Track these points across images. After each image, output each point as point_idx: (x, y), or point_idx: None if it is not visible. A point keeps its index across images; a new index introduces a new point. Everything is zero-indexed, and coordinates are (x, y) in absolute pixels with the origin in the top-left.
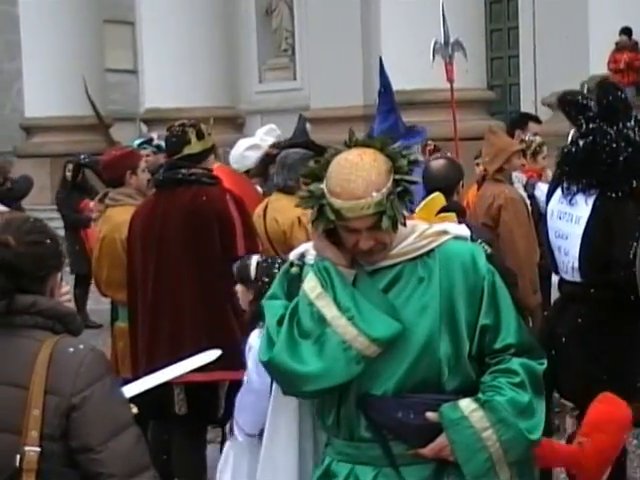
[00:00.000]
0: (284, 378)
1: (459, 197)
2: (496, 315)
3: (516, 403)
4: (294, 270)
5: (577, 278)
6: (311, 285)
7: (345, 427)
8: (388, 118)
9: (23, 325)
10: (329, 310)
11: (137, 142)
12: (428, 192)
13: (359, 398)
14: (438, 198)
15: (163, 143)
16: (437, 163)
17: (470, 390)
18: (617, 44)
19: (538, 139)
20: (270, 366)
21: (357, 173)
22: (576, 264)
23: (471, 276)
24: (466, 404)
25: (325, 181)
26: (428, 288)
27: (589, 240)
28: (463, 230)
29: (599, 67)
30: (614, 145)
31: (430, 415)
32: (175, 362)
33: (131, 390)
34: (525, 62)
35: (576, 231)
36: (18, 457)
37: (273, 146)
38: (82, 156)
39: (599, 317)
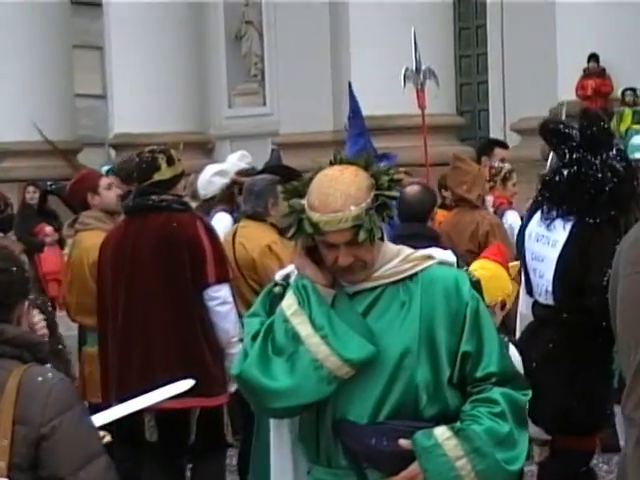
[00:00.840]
0: (253, 392)
1: (433, 223)
2: (478, 342)
3: (494, 433)
4: (277, 290)
5: (550, 301)
6: (289, 302)
7: (324, 454)
8: (358, 142)
9: None
10: (303, 328)
11: (105, 168)
12: (403, 218)
13: (335, 424)
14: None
15: None
16: (412, 189)
17: (449, 418)
18: (585, 70)
19: (507, 166)
20: (240, 380)
21: (336, 187)
22: (550, 287)
23: (454, 302)
24: (441, 432)
25: (306, 196)
26: (408, 312)
27: (564, 264)
28: (449, 256)
29: (567, 93)
30: (599, 175)
31: (403, 442)
32: (146, 389)
33: (102, 419)
34: (494, 88)
35: (552, 255)
36: None
37: (239, 173)
38: (49, 183)
39: (571, 342)
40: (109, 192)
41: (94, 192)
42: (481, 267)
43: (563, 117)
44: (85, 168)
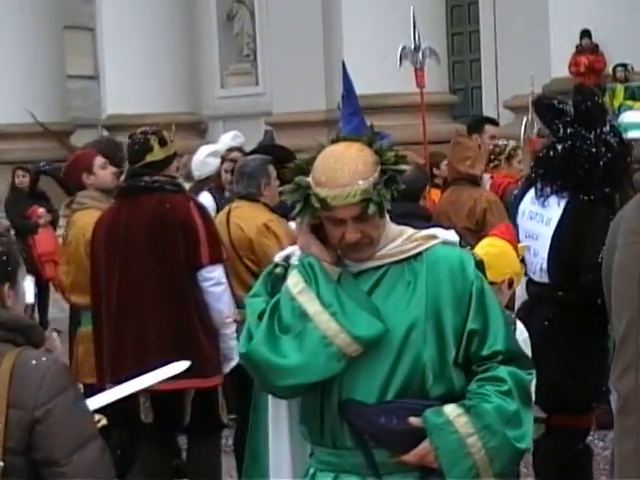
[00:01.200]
0: (261, 370)
1: (425, 202)
2: (484, 321)
3: (503, 411)
4: (279, 270)
5: (545, 279)
6: (294, 281)
7: (328, 435)
8: (351, 121)
9: None
10: (311, 305)
11: None
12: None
13: (341, 404)
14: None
15: None
16: None
17: (454, 398)
18: (577, 47)
19: (512, 143)
20: (247, 358)
21: (343, 162)
22: (545, 265)
23: (459, 281)
24: (451, 409)
25: (311, 173)
26: (414, 292)
27: (558, 242)
28: (451, 235)
29: (560, 70)
30: (594, 150)
31: (413, 420)
32: (141, 370)
33: (97, 402)
34: (487, 65)
35: (546, 232)
36: None
37: (229, 150)
38: (42, 163)
39: (566, 320)
40: (104, 171)
41: (89, 172)
42: (490, 244)
43: (532, 88)
44: (79, 149)
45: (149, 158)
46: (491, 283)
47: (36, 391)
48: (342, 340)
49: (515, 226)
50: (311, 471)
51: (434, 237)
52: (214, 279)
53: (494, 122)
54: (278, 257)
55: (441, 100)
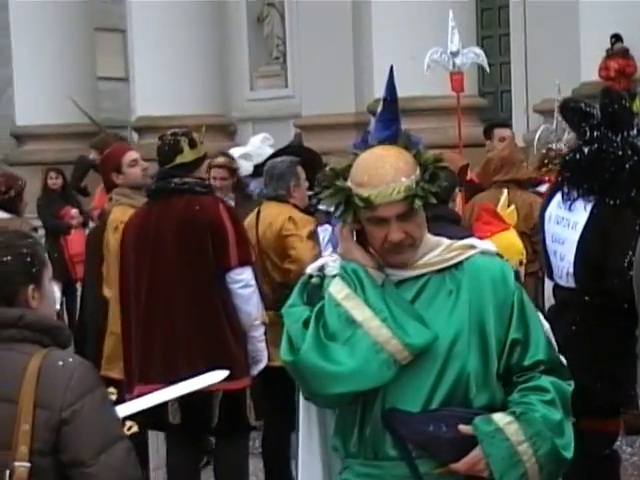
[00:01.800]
0: (311, 378)
1: (454, 204)
2: (526, 331)
3: (549, 420)
4: (315, 281)
5: (572, 284)
6: (338, 287)
7: (369, 446)
8: (390, 127)
9: (11, 339)
10: (360, 312)
11: None
12: None
13: (385, 413)
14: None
15: None
16: None
17: (496, 409)
18: (608, 51)
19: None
20: (296, 365)
21: (384, 160)
22: (571, 269)
23: (501, 291)
24: (500, 417)
25: (349, 178)
26: (457, 301)
27: (585, 246)
28: (489, 245)
29: (590, 74)
30: (620, 153)
31: (463, 428)
32: (169, 371)
33: (129, 408)
34: (516, 69)
35: (572, 236)
36: (8, 473)
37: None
38: (91, 157)
39: (593, 325)
40: (133, 169)
41: (118, 172)
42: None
43: (559, 96)
44: (112, 145)
45: (179, 160)
46: None
47: (63, 392)
48: (393, 347)
49: (542, 232)
50: None
51: (473, 247)
52: (243, 281)
53: (503, 124)
54: (310, 268)
55: (471, 103)
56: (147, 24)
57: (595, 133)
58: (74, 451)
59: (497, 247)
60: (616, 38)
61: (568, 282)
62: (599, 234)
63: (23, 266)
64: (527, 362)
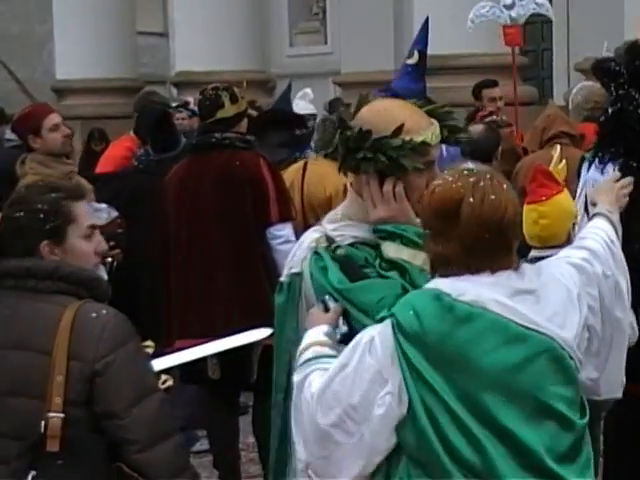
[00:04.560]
0: None
1: (497, 163)
2: None
3: None
4: (340, 252)
5: None
6: (411, 253)
7: None
8: (420, 81)
9: (46, 290)
10: None
11: (173, 105)
12: (466, 156)
13: None
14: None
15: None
16: (476, 129)
17: None
18: None
19: None
20: None
21: (410, 106)
22: None
23: None
24: None
25: (375, 132)
26: None
27: None
28: None
29: (633, 31)
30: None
31: None
32: (206, 324)
33: (165, 362)
34: (558, 27)
35: None
36: (43, 423)
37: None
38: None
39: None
40: (54, 134)
41: (35, 134)
42: (540, 217)
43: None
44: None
45: (220, 114)
46: (560, 246)
47: (96, 344)
48: None
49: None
50: None
51: None
52: (283, 237)
53: (490, 84)
54: (310, 240)
55: (511, 61)
56: None
57: (620, 92)
58: (107, 403)
59: (550, 215)
60: None
61: None
62: None
63: (35, 222)
64: None
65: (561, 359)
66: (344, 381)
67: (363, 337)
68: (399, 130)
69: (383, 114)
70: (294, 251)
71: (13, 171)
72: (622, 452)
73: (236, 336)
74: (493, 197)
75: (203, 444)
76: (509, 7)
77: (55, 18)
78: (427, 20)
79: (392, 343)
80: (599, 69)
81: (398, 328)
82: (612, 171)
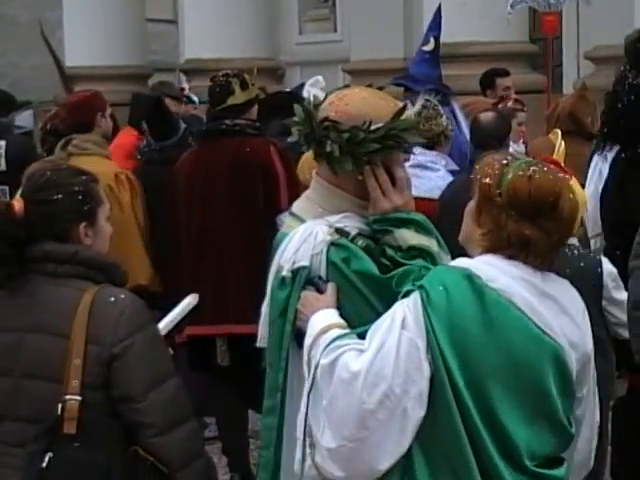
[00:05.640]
0: None
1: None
2: None
3: None
4: (361, 243)
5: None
6: (427, 240)
7: None
8: (437, 67)
9: (65, 275)
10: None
11: (184, 95)
12: (477, 145)
13: None
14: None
15: (194, 96)
16: (486, 116)
17: None
18: None
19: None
20: None
21: (375, 91)
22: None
23: None
24: None
25: (380, 119)
26: None
27: (605, 199)
28: None
29: None
30: (632, 97)
31: None
32: (218, 314)
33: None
34: (568, 15)
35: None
36: (60, 406)
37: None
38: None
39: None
40: (109, 121)
41: (102, 114)
42: None
43: None
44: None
45: (230, 101)
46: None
47: (114, 328)
48: None
49: (591, 185)
50: None
51: None
52: None
53: (503, 73)
54: (324, 234)
55: (521, 50)
56: None
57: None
58: (124, 387)
59: None
60: None
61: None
62: (617, 187)
63: (74, 204)
64: None
65: (565, 370)
66: (386, 358)
67: (396, 312)
68: (402, 111)
69: (371, 101)
70: (296, 245)
71: (28, 157)
72: (629, 444)
73: (178, 306)
74: (574, 198)
75: (212, 430)
76: None
77: (65, 5)
78: (440, 7)
79: (422, 316)
80: (627, 51)
81: (428, 302)
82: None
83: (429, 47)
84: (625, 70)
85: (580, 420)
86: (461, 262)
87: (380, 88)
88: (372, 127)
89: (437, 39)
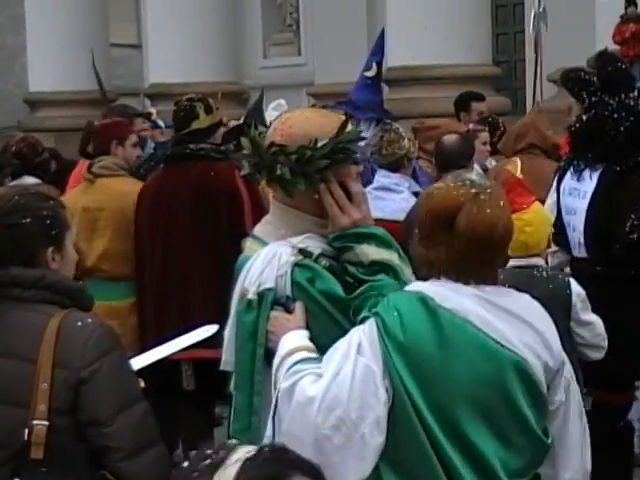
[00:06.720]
0: None
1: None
2: None
3: None
4: (325, 263)
5: (583, 254)
6: (391, 255)
7: None
8: (379, 93)
9: (31, 299)
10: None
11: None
12: (442, 167)
13: None
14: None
15: (160, 121)
16: (450, 138)
17: None
18: (622, 17)
19: None
20: None
21: (314, 110)
22: (582, 239)
23: None
24: None
25: (304, 134)
26: None
27: (592, 214)
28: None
29: (604, 42)
30: (615, 116)
31: None
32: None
33: (138, 363)
34: (531, 38)
35: (582, 206)
36: (26, 431)
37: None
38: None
39: (605, 296)
40: (134, 150)
41: (119, 142)
42: (525, 225)
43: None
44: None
45: (195, 125)
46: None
47: (81, 352)
48: None
49: (558, 205)
50: None
51: None
52: None
53: (479, 97)
54: (288, 255)
55: (484, 72)
56: None
57: (593, 99)
58: (92, 411)
59: (534, 222)
60: (629, 2)
61: (580, 252)
62: (605, 201)
63: (42, 228)
64: None
65: (531, 381)
66: (342, 383)
67: (352, 338)
68: (345, 124)
69: (314, 121)
70: (260, 267)
71: None
72: (595, 458)
73: (187, 335)
74: (489, 211)
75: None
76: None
77: (28, 30)
78: (383, 31)
79: (378, 343)
80: (568, 79)
81: (383, 329)
82: (589, 177)
83: (371, 73)
84: (601, 98)
85: (565, 426)
86: (415, 286)
87: (324, 107)
88: (319, 144)
89: (379, 64)
